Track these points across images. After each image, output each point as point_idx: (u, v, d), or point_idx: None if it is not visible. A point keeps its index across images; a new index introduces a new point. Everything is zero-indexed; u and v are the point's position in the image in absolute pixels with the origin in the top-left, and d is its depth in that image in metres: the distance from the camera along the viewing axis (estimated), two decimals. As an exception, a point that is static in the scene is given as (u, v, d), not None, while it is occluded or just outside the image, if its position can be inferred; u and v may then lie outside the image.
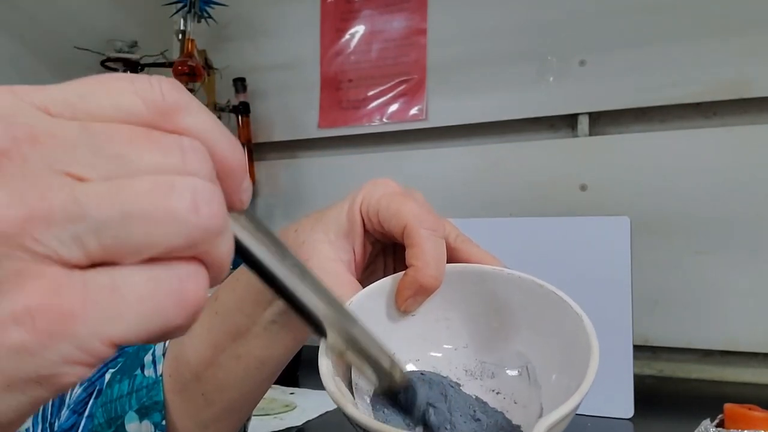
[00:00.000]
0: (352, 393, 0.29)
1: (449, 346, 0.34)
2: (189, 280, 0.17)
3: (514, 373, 0.33)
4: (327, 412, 0.81)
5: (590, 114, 1.14)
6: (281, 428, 0.74)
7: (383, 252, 0.39)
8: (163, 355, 0.44)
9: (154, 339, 0.17)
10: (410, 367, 0.33)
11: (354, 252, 0.36)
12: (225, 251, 0.18)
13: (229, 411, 0.43)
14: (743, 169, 1.02)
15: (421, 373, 0.33)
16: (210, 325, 0.42)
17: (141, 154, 0.17)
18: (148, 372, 0.44)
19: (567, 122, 1.18)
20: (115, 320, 0.16)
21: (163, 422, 0.43)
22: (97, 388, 0.46)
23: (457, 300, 0.34)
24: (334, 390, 0.27)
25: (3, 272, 0.15)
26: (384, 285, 0.33)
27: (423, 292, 0.32)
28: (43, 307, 0.15)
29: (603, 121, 1.15)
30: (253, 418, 0.78)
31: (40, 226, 0.15)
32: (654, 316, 1.05)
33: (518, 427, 0.31)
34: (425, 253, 0.32)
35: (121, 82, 0.18)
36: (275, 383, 0.99)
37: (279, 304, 0.39)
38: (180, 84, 0.19)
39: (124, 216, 0.16)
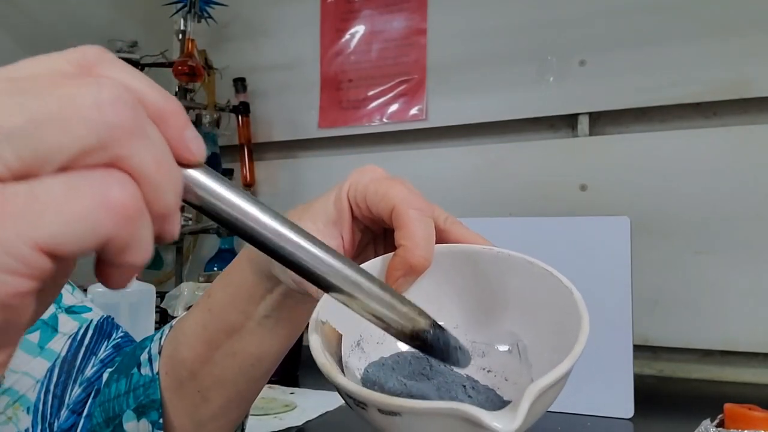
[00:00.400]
0: (343, 372, 0.29)
1: None
2: (111, 184, 0.18)
3: (505, 350, 0.33)
4: (327, 412, 0.81)
5: (590, 114, 1.14)
6: (281, 428, 0.74)
7: (373, 241, 0.39)
8: (159, 353, 0.44)
9: (88, 245, 0.17)
10: (402, 348, 0.33)
11: (343, 239, 0.35)
12: (148, 159, 0.19)
13: (226, 408, 0.43)
14: (743, 169, 1.02)
15: (411, 353, 0.33)
16: (204, 323, 0.42)
17: (56, 84, 0.18)
18: (145, 370, 0.44)
19: (567, 122, 1.18)
20: (37, 223, 0.16)
21: (161, 420, 0.43)
22: (96, 387, 0.46)
23: (447, 280, 0.34)
24: (324, 362, 0.27)
25: None
26: (374, 265, 0.33)
27: (413, 272, 0.32)
28: None
29: (603, 121, 1.15)
30: (252, 417, 0.78)
31: None
32: (654, 316, 1.05)
33: (509, 402, 0.31)
34: (414, 234, 0.31)
35: (54, 54, 0.20)
36: (275, 383, 1.00)
37: (272, 299, 0.39)
38: (105, 49, 0.21)
39: (32, 121, 0.17)
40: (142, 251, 0.19)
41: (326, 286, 0.26)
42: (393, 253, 0.32)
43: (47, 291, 0.19)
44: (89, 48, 0.20)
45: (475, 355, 0.34)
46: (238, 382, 0.42)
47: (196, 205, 0.22)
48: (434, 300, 0.34)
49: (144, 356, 0.45)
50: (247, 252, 0.40)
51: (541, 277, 0.32)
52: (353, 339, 0.31)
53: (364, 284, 0.26)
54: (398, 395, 0.29)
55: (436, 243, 0.33)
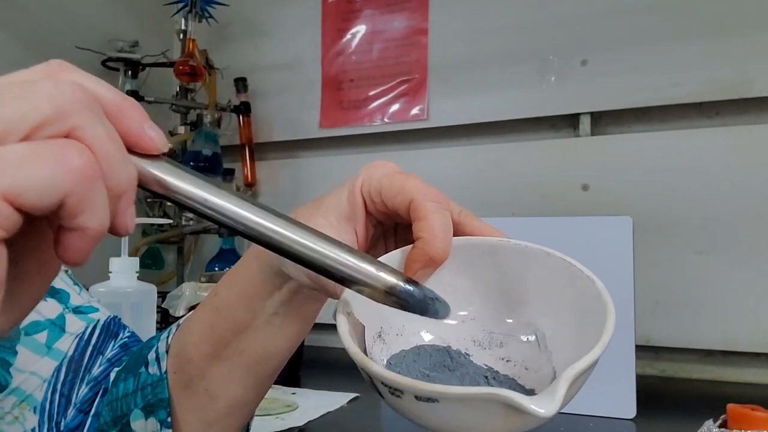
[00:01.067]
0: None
1: (457, 319, 0.34)
2: (70, 148, 0.20)
3: (524, 340, 0.34)
4: (329, 413, 0.81)
5: (592, 114, 1.14)
6: (283, 428, 0.74)
7: (383, 236, 0.39)
8: (167, 352, 0.44)
9: (49, 199, 0.19)
10: (422, 340, 0.34)
11: (357, 234, 0.35)
12: (101, 132, 0.21)
13: (234, 407, 0.43)
14: (745, 169, 1.02)
15: (431, 346, 0.33)
16: (211, 322, 0.42)
17: (21, 81, 0.21)
18: (153, 369, 0.44)
19: (568, 122, 1.18)
20: (1, 175, 0.19)
21: (169, 419, 0.43)
22: (103, 387, 0.46)
23: (463, 272, 0.34)
24: (356, 351, 0.27)
25: None
26: (393, 258, 0.33)
27: (432, 264, 0.32)
28: None
29: (604, 120, 1.15)
30: (254, 417, 0.78)
31: None
32: (656, 316, 1.05)
33: (532, 390, 0.31)
34: (433, 226, 0.32)
35: (25, 69, 0.23)
36: (277, 383, 1.00)
37: (281, 296, 0.39)
38: (67, 63, 0.24)
39: None
40: (98, 215, 0.21)
41: (289, 256, 0.27)
42: (411, 245, 0.33)
43: (31, 256, 0.22)
44: (53, 61, 0.23)
45: (493, 345, 0.34)
46: (246, 381, 0.42)
47: (160, 194, 0.24)
48: (451, 292, 0.34)
49: (151, 355, 0.45)
50: (253, 250, 0.40)
51: (560, 268, 0.32)
52: (375, 331, 0.32)
53: (337, 252, 0.27)
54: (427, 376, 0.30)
55: (453, 236, 0.33)
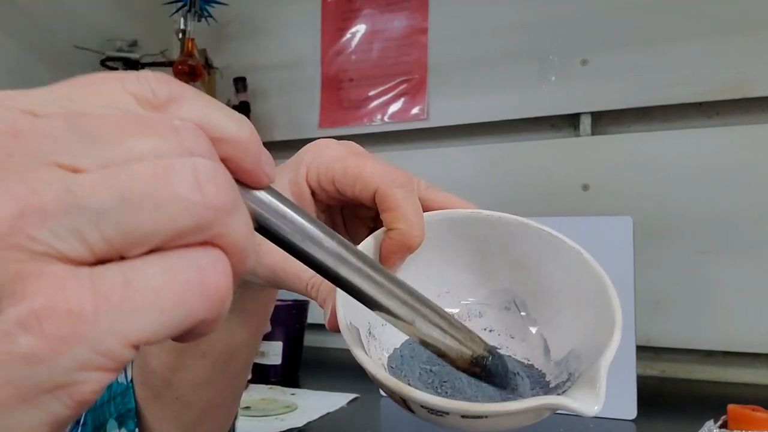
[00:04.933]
0: None
1: (432, 295, 0.34)
2: (208, 267, 0.16)
3: (502, 308, 0.34)
4: (328, 413, 0.81)
5: (592, 113, 1.14)
6: (282, 429, 0.74)
7: (329, 210, 0.37)
8: (131, 360, 0.43)
9: (180, 336, 0.16)
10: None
11: None
12: (242, 233, 0.17)
13: (210, 410, 0.42)
14: (745, 169, 1.02)
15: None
16: None
17: (134, 137, 0.16)
18: (121, 378, 0.43)
19: (569, 122, 1.18)
20: (131, 317, 0.15)
21: (136, 430, 0.42)
22: None
23: (435, 247, 0.33)
24: (387, 376, 0.26)
25: (1, 277, 0.14)
26: (367, 246, 0.32)
27: (409, 251, 0.31)
28: (49, 308, 0.14)
29: (605, 120, 1.14)
30: (253, 419, 0.78)
31: (34, 222, 0.14)
32: (656, 316, 1.05)
33: (531, 365, 0.31)
34: (407, 215, 0.30)
35: (110, 80, 0.17)
36: (276, 383, 0.99)
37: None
38: (168, 76, 0.18)
39: (123, 202, 0.15)
40: (219, 324, 0.18)
41: (390, 315, 0.25)
42: (382, 231, 0.31)
43: None
44: (153, 78, 0.18)
45: (473, 316, 0.34)
46: (217, 381, 0.41)
47: (256, 228, 0.21)
48: (423, 268, 0.33)
49: None
50: None
51: (540, 239, 0.32)
52: (365, 329, 0.31)
53: (427, 312, 0.25)
54: (430, 384, 0.29)
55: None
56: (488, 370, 0.27)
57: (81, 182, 0.15)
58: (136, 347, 0.15)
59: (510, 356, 0.32)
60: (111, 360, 0.15)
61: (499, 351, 0.28)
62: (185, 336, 0.17)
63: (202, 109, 0.18)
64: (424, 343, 0.25)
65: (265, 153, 0.20)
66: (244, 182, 0.20)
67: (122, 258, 0.15)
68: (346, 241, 0.23)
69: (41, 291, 0.14)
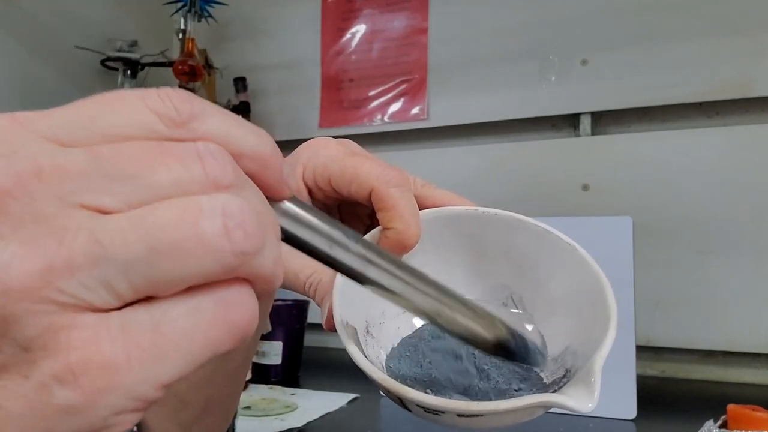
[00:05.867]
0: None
1: None
2: (235, 303, 0.16)
3: (499, 304, 0.34)
4: (328, 413, 0.81)
5: (592, 113, 1.14)
6: (282, 429, 0.74)
7: (325, 208, 0.37)
8: None
9: (204, 365, 0.16)
10: (405, 316, 0.33)
11: None
12: (269, 266, 0.17)
13: (209, 408, 0.42)
14: (745, 169, 1.02)
15: (410, 335, 0.33)
16: None
17: (158, 171, 0.16)
18: None
19: (569, 122, 1.18)
20: (163, 361, 0.15)
21: (134, 428, 0.42)
22: None
23: (432, 245, 0.34)
24: (384, 377, 0.26)
25: (33, 330, 0.14)
26: None
27: (406, 250, 0.31)
28: (84, 362, 0.14)
29: (605, 120, 1.14)
30: (253, 418, 0.78)
31: (63, 276, 0.14)
32: (656, 316, 1.05)
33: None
34: (403, 215, 0.31)
35: (132, 99, 0.17)
36: (276, 383, 0.99)
37: None
38: (189, 93, 0.18)
39: (152, 252, 0.15)
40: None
41: (417, 310, 0.25)
42: (378, 230, 0.32)
43: None
44: (176, 96, 0.17)
45: None
46: (216, 380, 0.41)
47: (283, 239, 0.21)
48: (419, 266, 0.33)
49: None
50: None
51: (535, 234, 0.32)
52: (363, 328, 0.31)
53: (452, 303, 0.25)
54: (428, 380, 0.30)
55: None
56: (512, 352, 0.27)
57: (108, 230, 0.15)
58: (167, 388, 0.16)
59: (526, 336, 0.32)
60: (143, 402, 0.15)
61: (519, 332, 0.28)
62: (205, 366, 0.17)
63: (224, 126, 0.18)
64: (449, 332, 0.26)
65: (285, 164, 0.20)
66: (268, 196, 0.19)
67: (149, 298, 0.15)
68: (369, 241, 0.23)
69: (74, 344, 0.14)
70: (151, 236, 0.15)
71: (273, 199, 0.20)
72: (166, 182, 0.16)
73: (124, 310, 0.15)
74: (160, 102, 0.17)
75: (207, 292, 0.16)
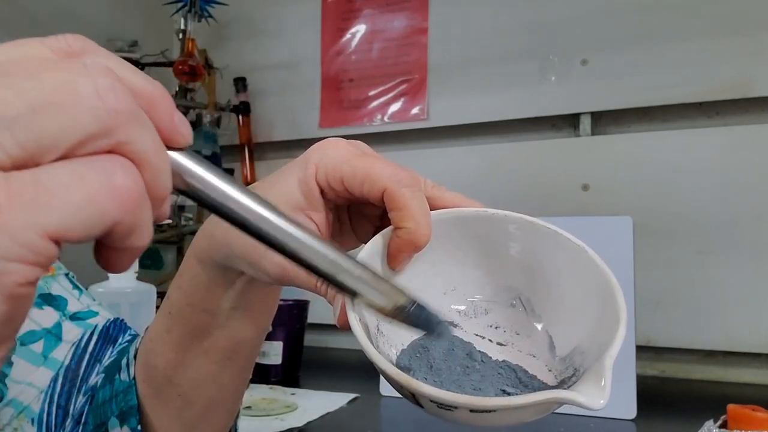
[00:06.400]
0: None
1: (439, 292, 0.35)
2: (115, 170, 0.18)
3: (507, 305, 0.34)
4: (328, 413, 0.81)
5: (592, 113, 1.14)
6: (283, 429, 0.74)
7: (336, 209, 0.37)
8: (135, 357, 0.43)
9: (95, 231, 0.18)
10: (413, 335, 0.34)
11: (316, 223, 0.34)
12: (148, 144, 0.19)
13: (212, 408, 0.42)
14: (745, 169, 1.02)
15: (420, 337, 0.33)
16: (167, 327, 0.40)
17: (47, 71, 0.18)
18: (123, 376, 0.43)
19: (569, 122, 1.18)
20: (45, 210, 0.17)
21: (139, 427, 0.42)
22: (92, 395, 0.45)
23: (442, 245, 0.34)
24: (397, 372, 0.27)
25: None
26: (375, 244, 0.32)
27: (417, 250, 0.32)
28: None
29: (605, 120, 1.15)
30: (254, 418, 0.78)
31: None
32: (656, 316, 1.05)
33: (525, 371, 0.32)
34: (414, 215, 0.31)
35: (32, 40, 0.20)
36: (276, 383, 0.99)
37: (236, 290, 0.37)
38: (86, 38, 0.21)
39: (32, 109, 0.17)
40: (145, 234, 0.19)
41: (310, 269, 0.26)
42: (390, 229, 0.32)
43: None
44: (71, 36, 0.20)
45: (479, 313, 0.34)
46: (220, 379, 0.41)
47: (181, 190, 0.22)
48: (430, 266, 0.34)
49: (124, 361, 0.43)
50: (193, 250, 0.38)
51: (545, 236, 0.33)
52: (374, 325, 0.31)
53: (351, 268, 0.27)
54: (437, 381, 0.30)
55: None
56: (410, 318, 0.28)
57: None
58: (57, 242, 0.17)
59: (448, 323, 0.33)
60: (31, 252, 0.17)
61: (423, 303, 0.29)
62: (109, 238, 0.19)
63: (114, 62, 0.20)
64: (344, 290, 0.27)
65: (180, 115, 0.21)
66: (164, 143, 0.21)
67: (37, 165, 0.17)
68: (263, 197, 0.24)
69: None
70: (30, 96, 0.17)
71: (167, 145, 0.21)
72: (52, 75, 0.18)
73: (10, 171, 0.17)
74: (55, 41, 0.20)
75: (88, 158, 0.18)
